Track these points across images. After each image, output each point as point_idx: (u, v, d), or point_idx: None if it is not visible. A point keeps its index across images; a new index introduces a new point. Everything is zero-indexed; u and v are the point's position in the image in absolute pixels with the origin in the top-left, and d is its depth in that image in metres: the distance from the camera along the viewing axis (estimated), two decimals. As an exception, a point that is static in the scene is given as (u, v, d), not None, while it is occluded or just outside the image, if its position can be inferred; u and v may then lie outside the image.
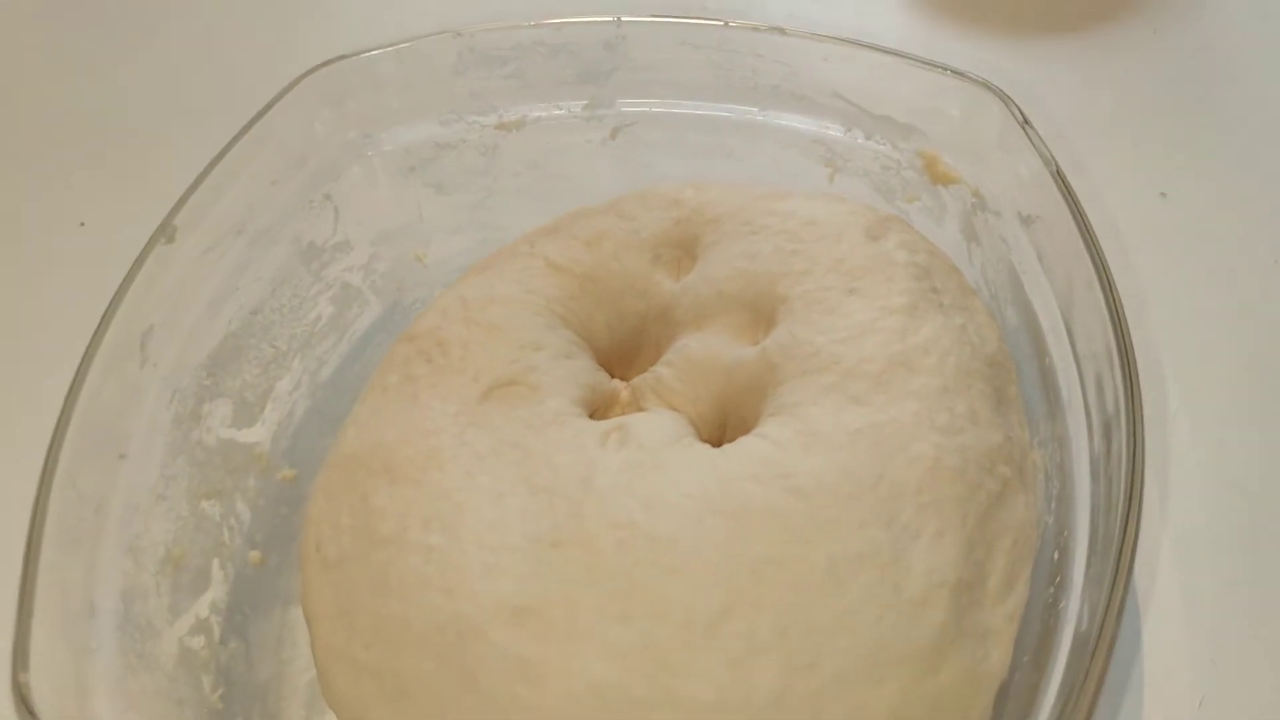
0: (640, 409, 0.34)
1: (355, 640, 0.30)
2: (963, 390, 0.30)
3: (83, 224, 0.47)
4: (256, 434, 0.36)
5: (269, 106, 0.35)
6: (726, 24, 0.36)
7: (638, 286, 0.36)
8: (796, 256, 0.34)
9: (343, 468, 0.33)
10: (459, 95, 0.38)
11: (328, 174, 0.38)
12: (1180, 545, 0.35)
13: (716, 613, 0.27)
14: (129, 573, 0.30)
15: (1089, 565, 0.27)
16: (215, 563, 0.34)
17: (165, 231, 0.33)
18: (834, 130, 0.37)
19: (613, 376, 0.36)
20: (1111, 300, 0.28)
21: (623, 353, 0.36)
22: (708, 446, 0.31)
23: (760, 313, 0.34)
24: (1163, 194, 0.44)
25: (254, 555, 0.35)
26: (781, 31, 0.36)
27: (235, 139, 0.35)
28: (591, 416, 0.34)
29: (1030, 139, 0.32)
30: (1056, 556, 0.29)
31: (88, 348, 0.31)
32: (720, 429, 0.33)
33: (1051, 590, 0.28)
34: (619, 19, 0.37)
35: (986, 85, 0.33)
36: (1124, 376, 0.27)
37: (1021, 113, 0.32)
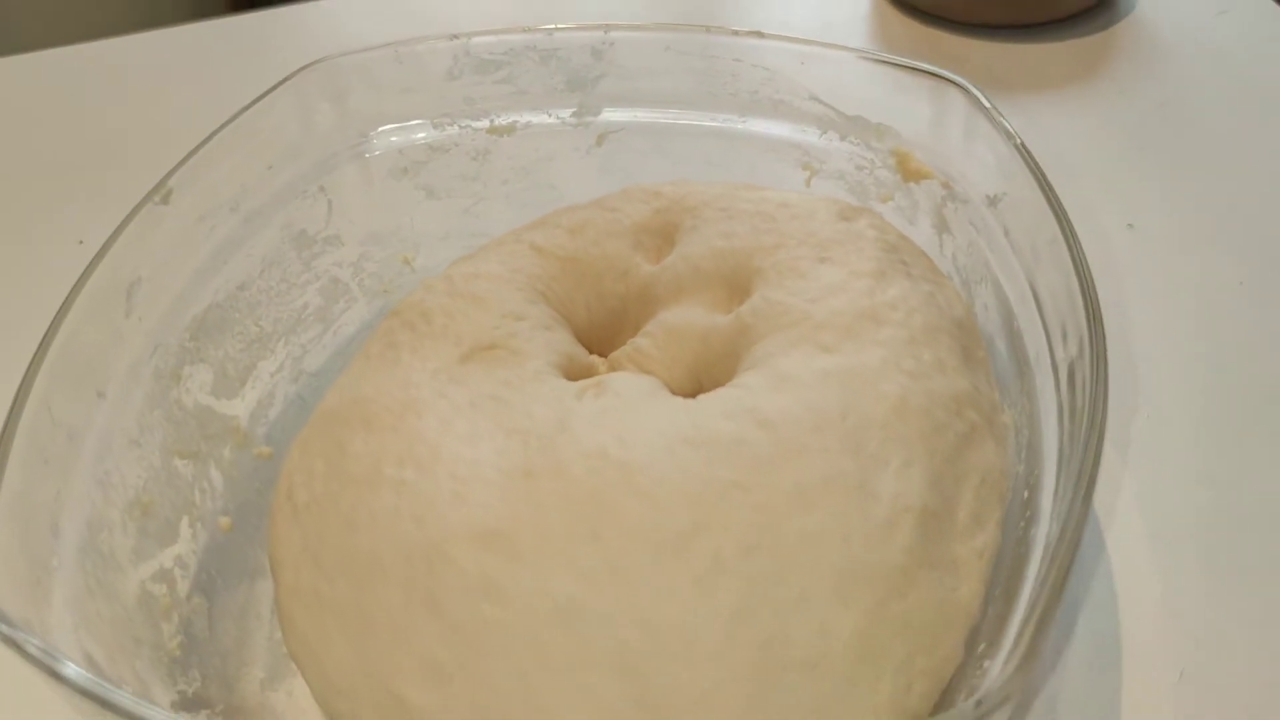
0: (618, 374, 0.34)
1: (320, 578, 0.29)
2: (929, 343, 0.31)
3: (81, 241, 0.48)
4: (235, 408, 0.37)
5: (267, 93, 0.37)
6: (708, 29, 0.38)
7: (618, 268, 0.37)
8: (770, 233, 0.35)
9: (319, 424, 0.33)
10: (453, 99, 0.40)
11: (323, 167, 0.39)
12: (1158, 529, 0.35)
13: (684, 533, 0.27)
14: (97, 505, 0.30)
15: (1057, 488, 0.27)
16: (185, 520, 0.34)
17: (160, 191, 0.34)
18: (810, 134, 0.39)
19: (591, 353, 0.37)
20: (1073, 248, 0.29)
21: (602, 333, 0.37)
22: (682, 398, 0.32)
23: (736, 286, 0.35)
24: (1130, 225, 0.45)
25: (224, 521, 0.35)
26: (759, 35, 0.38)
27: (232, 118, 0.36)
28: (570, 383, 0.34)
29: (992, 121, 0.33)
30: (1027, 495, 0.29)
31: (74, 285, 0.31)
32: (696, 392, 0.34)
33: (1022, 524, 0.28)
34: (607, 26, 0.39)
35: (951, 79, 0.35)
36: (1086, 311, 0.28)
37: (984, 98, 0.34)
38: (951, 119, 0.35)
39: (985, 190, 0.34)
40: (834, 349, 0.31)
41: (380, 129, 0.40)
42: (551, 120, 0.41)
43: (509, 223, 0.40)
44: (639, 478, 0.28)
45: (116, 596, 0.30)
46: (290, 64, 0.38)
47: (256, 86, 0.37)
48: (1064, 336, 0.30)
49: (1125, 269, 0.44)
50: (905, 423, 0.29)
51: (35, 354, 0.30)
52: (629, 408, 0.31)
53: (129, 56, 0.61)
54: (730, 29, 0.38)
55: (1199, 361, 0.40)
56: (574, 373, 0.35)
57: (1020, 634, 0.22)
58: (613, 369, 0.35)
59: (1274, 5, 0.56)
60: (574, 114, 0.41)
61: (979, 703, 0.20)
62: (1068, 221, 0.30)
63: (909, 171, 0.37)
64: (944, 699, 0.28)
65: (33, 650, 0.23)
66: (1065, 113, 0.51)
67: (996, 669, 0.23)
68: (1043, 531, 0.27)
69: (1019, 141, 0.32)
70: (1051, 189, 0.31)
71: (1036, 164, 0.32)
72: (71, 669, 0.23)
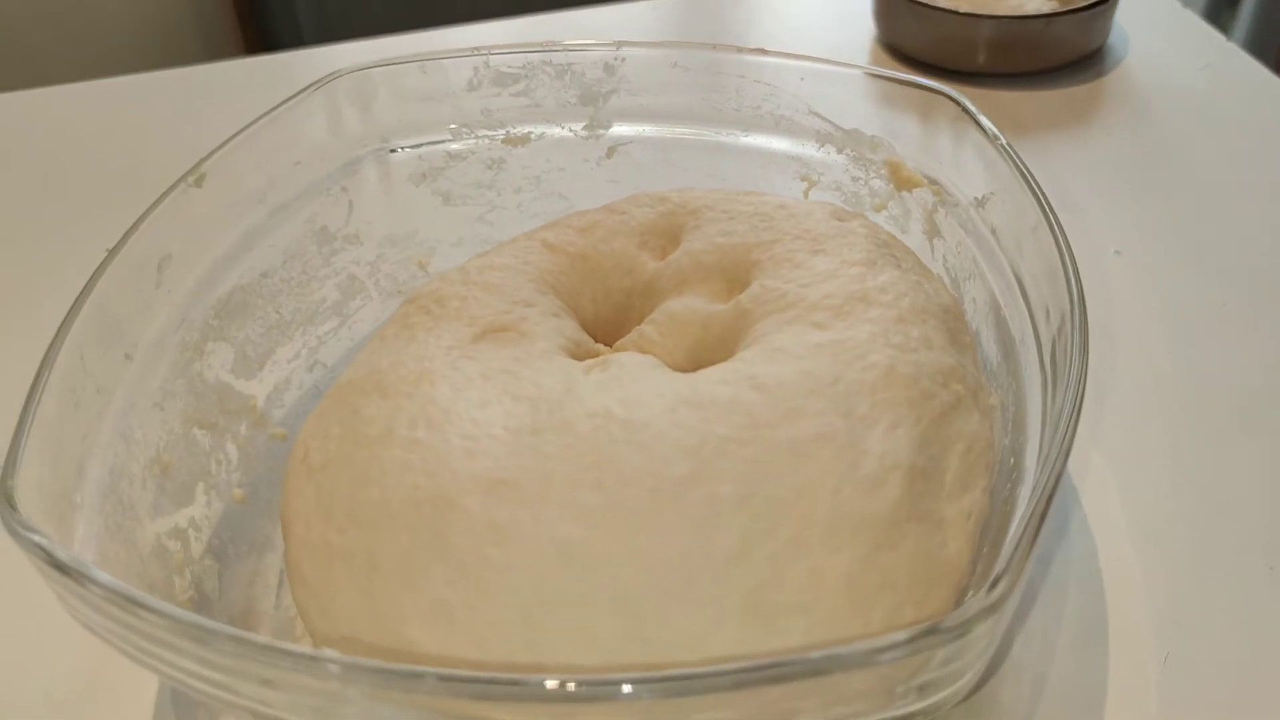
0: (621, 359, 0.36)
1: (331, 529, 0.31)
2: (917, 322, 0.33)
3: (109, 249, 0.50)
4: (253, 388, 0.38)
5: (297, 95, 0.39)
6: (714, 46, 0.41)
7: (624, 265, 0.39)
8: (768, 230, 0.37)
9: (336, 394, 0.35)
10: (472, 110, 0.42)
11: (347, 168, 0.41)
12: (1142, 524, 0.36)
13: (682, 481, 0.28)
14: (120, 456, 0.32)
15: (1041, 445, 0.28)
16: (200, 486, 0.35)
17: (194, 174, 0.36)
18: (809, 147, 0.41)
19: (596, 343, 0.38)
20: (1053, 227, 0.31)
21: (607, 326, 0.39)
22: (682, 372, 0.33)
23: (735, 278, 0.37)
24: (1117, 252, 0.47)
25: (238, 492, 0.36)
26: (763, 52, 0.40)
27: (265, 114, 0.38)
28: (576, 368, 0.36)
29: (979, 127, 0.36)
30: (1013, 461, 0.30)
31: (108, 254, 0.33)
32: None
33: (1008, 486, 0.30)
34: (618, 43, 0.41)
35: (940, 91, 0.37)
36: (1066, 278, 0.29)
37: (971, 107, 0.36)
38: (940, 128, 0.37)
39: (973, 192, 0.36)
40: (826, 326, 0.33)
41: (402, 135, 0.42)
42: (564, 132, 0.43)
43: (520, 230, 0.41)
44: (640, 433, 0.30)
45: (134, 543, 0.31)
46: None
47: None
48: (1047, 315, 0.31)
49: (1113, 291, 0.45)
50: (893, 389, 0.30)
51: (72, 307, 0.31)
52: (632, 378, 0.32)
53: (152, 91, 0.64)
54: (735, 46, 0.40)
55: (1182, 374, 0.42)
56: (580, 356, 0.36)
57: (1020, 534, 0.23)
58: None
59: (1252, 61, 0.59)
60: (585, 127, 0.43)
61: (994, 582, 0.22)
62: (1048, 205, 0.31)
63: (901, 180, 0.39)
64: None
65: (63, 557, 0.25)
66: (1053, 154, 0.53)
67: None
68: (1028, 489, 0.28)
69: (1003, 142, 0.35)
70: (1035, 180, 0.33)
71: (1021, 161, 0.34)
72: (101, 575, 0.24)
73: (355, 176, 0.42)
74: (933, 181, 0.38)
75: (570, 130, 0.43)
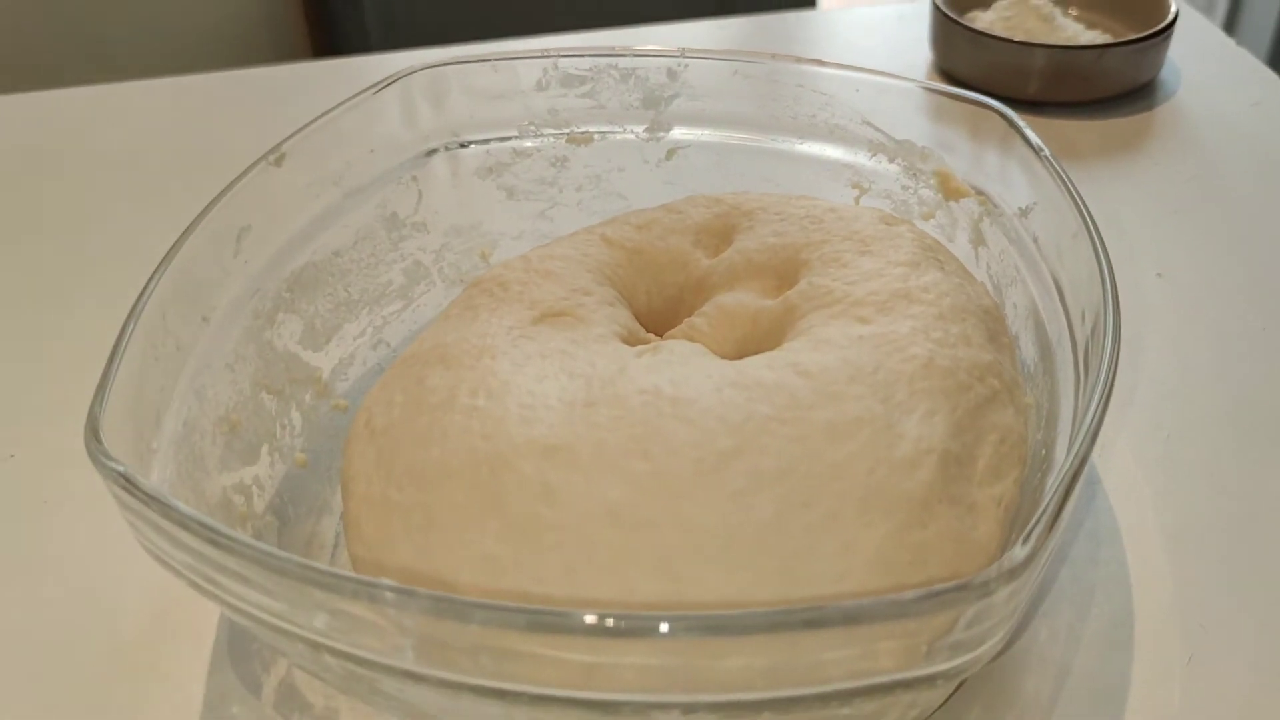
0: (672, 348, 0.38)
1: (390, 485, 0.32)
2: (957, 321, 0.34)
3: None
4: (319, 360, 0.40)
5: (375, 86, 0.41)
6: (773, 56, 0.42)
7: (678, 261, 0.40)
8: (818, 232, 0.38)
9: (400, 366, 0.37)
10: (539, 109, 0.44)
11: (418, 160, 0.43)
12: (1174, 529, 0.37)
13: (725, 454, 0.30)
14: (193, 410, 0.34)
15: (1073, 435, 0.29)
16: (265, 447, 0.37)
17: (275, 153, 0.38)
18: (861, 155, 0.42)
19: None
20: (1091, 233, 0.32)
21: (659, 318, 0.40)
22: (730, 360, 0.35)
23: (785, 276, 0.38)
24: (1159, 274, 0.48)
25: (300, 457, 0.38)
26: (820, 63, 0.42)
27: (344, 102, 0.40)
28: (628, 353, 0.37)
29: (1025, 140, 0.37)
30: (1044, 453, 0.31)
31: (193, 221, 0.35)
32: (742, 364, 0.37)
33: (1038, 476, 0.31)
34: (683, 50, 0.43)
35: (988, 105, 0.39)
36: (1102, 278, 0.31)
37: (1018, 120, 0.37)
38: (988, 141, 0.39)
39: (1018, 203, 0.38)
40: (870, 320, 0.34)
41: (472, 131, 0.44)
42: (626, 134, 0.45)
43: (579, 226, 0.43)
44: (687, 409, 0.31)
45: (202, 493, 0.33)
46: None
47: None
48: (1083, 317, 0.32)
49: (1153, 309, 0.46)
50: (930, 379, 0.32)
51: (156, 268, 0.33)
52: (682, 361, 0.34)
53: (229, 89, 0.67)
54: (794, 56, 0.42)
55: (1219, 387, 0.43)
56: (632, 344, 0.38)
57: (1050, 498, 0.24)
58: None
59: (1306, 100, 0.60)
60: (647, 129, 0.45)
61: (1023, 541, 0.23)
62: (1088, 212, 0.33)
63: (950, 190, 0.41)
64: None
65: (146, 488, 0.26)
66: (1101, 180, 0.55)
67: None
68: (1055, 477, 0.29)
69: (1048, 154, 0.36)
70: (1076, 189, 0.34)
71: (1063, 171, 0.35)
72: (183, 505, 0.26)
73: (425, 167, 0.44)
74: (980, 192, 0.40)
75: (632, 132, 0.45)
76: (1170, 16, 0.59)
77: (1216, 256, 0.50)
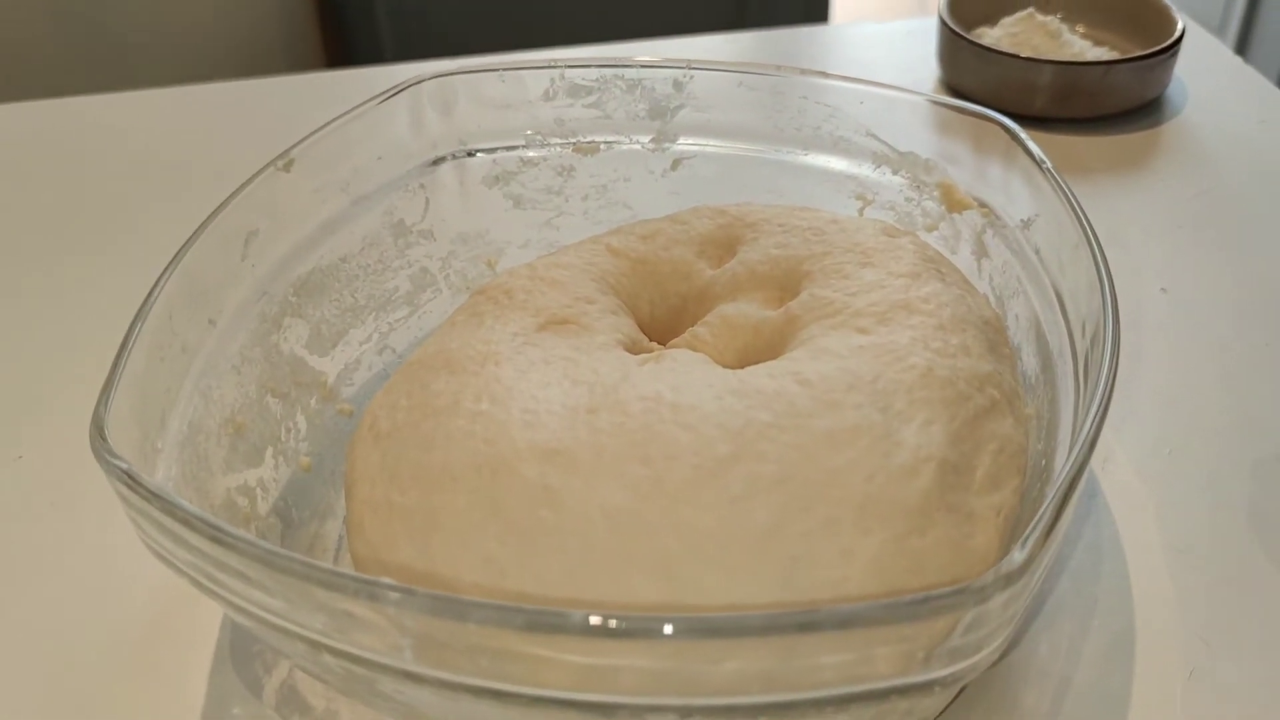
0: (674, 357, 0.38)
1: (393, 488, 0.33)
2: (957, 331, 0.34)
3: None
4: (325, 365, 0.40)
5: (384, 94, 0.42)
6: (779, 68, 0.43)
7: (682, 271, 0.41)
8: (820, 244, 0.39)
9: (405, 372, 0.37)
10: (546, 118, 0.45)
11: (426, 168, 0.44)
12: (1175, 542, 0.37)
13: (724, 459, 0.30)
14: (198, 411, 0.34)
15: (1072, 444, 0.29)
16: (270, 450, 0.37)
17: (284, 158, 0.38)
18: (865, 167, 0.43)
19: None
20: (1092, 245, 0.32)
21: (662, 327, 0.41)
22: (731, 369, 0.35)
23: (787, 288, 0.38)
24: (1163, 289, 0.48)
25: (304, 460, 0.38)
26: (824, 75, 0.42)
27: (352, 109, 0.41)
28: (631, 362, 0.37)
29: (1027, 152, 0.37)
30: (1044, 463, 0.31)
31: (201, 224, 0.35)
32: (744, 372, 0.37)
33: (1038, 486, 0.31)
34: (689, 62, 0.43)
35: (992, 117, 0.39)
36: (1102, 290, 0.31)
37: (1021, 133, 0.38)
38: (992, 154, 0.39)
39: (1020, 215, 0.38)
40: (869, 331, 0.34)
41: (479, 139, 0.45)
42: (632, 144, 0.45)
43: (585, 236, 0.43)
44: (687, 415, 0.31)
45: (206, 494, 0.33)
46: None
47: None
48: (1084, 328, 0.32)
49: (1156, 325, 0.46)
50: (929, 389, 0.32)
51: (163, 271, 0.34)
52: (684, 369, 0.34)
53: (242, 97, 0.68)
54: (799, 68, 0.42)
55: (1222, 400, 0.43)
56: (635, 352, 0.38)
57: (1048, 504, 0.24)
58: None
59: (1312, 118, 0.60)
60: (652, 140, 0.45)
61: (1023, 542, 0.23)
62: (1088, 223, 0.33)
63: (953, 202, 0.41)
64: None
65: (150, 485, 0.27)
66: (1106, 196, 0.55)
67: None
68: (1054, 487, 0.29)
69: (1049, 166, 0.36)
70: (1077, 202, 0.34)
71: (1066, 185, 0.35)
72: (186, 503, 0.26)
73: (433, 175, 0.44)
74: (982, 204, 0.40)
75: (637, 142, 0.45)
76: (1177, 33, 0.59)
77: (1221, 273, 0.50)
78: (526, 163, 0.45)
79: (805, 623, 0.23)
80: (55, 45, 1.10)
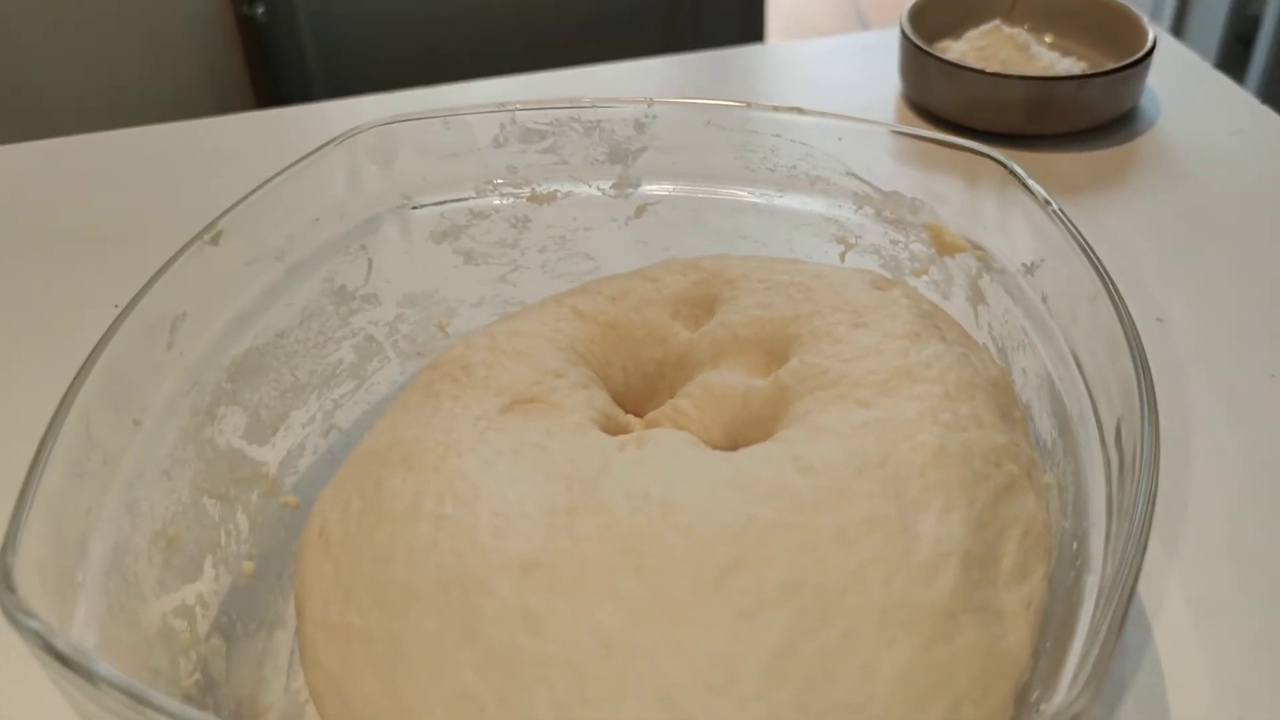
0: (655, 433, 0.34)
1: (350, 609, 0.29)
2: (965, 398, 0.31)
3: (116, 305, 0.48)
4: (266, 454, 0.36)
5: (318, 150, 0.38)
6: (749, 105, 0.39)
7: (656, 335, 0.37)
8: (806, 302, 0.36)
9: (355, 465, 0.33)
10: (497, 166, 0.41)
11: (367, 226, 0.40)
12: (1203, 614, 0.35)
13: (727, 568, 0.27)
14: (125, 530, 0.30)
15: (1108, 534, 0.26)
16: (209, 560, 0.33)
17: (210, 231, 0.34)
18: (846, 209, 0.40)
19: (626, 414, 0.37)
20: (1115, 301, 0.29)
21: (637, 396, 0.37)
22: (722, 451, 0.31)
23: (774, 352, 0.35)
24: (1159, 319, 0.46)
25: (247, 565, 0.35)
26: (799, 111, 0.39)
27: (283, 170, 0.37)
28: (607, 441, 0.34)
29: (1027, 190, 0.34)
30: (1075, 546, 0.29)
31: (119, 314, 0.31)
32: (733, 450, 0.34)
33: (1073, 574, 0.28)
34: (650, 100, 0.40)
35: (984, 153, 0.36)
36: (1135, 365, 0.28)
37: (1018, 170, 0.35)
38: (985, 191, 0.36)
39: (1022, 259, 0.35)
40: (871, 404, 0.31)
41: (424, 192, 0.41)
42: (592, 190, 0.41)
43: (544, 292, 0.40)
44: (681, 515, 0.28)
45: (138, 625, 0.29)
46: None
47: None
48: (1108, 392, 0.30)
49: (1157, 361, 0.44)
50: (944, 470, 0.29)
51: (79, 371, 0.30)
52: (670, 456, 0.31)
53: (166, 143, 0.63)
54: (770, 105, 0.39)
55: (1238, 448, 0.40)
56: (611, 430, 0.35)
57: (1086, 653, 0.21)
58: (649, 428, 0.35)
59: (1286, 124, 0.58)
60: (614, 185, 0.41)
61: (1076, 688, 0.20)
62: (1108, 275, 0.30)
63: (943, 245, 0.38)
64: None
65: (63, 648, 0.23)
66: (1087, 217, 0.52)
67: (1060, 696, 0.22)
68: (1095, 578, 0.26)
69: (1055, 207, 0.33)
70: (1091, 249, 0.31)
71: (1075, 227, 0.32)
72: (104, 667, 0.22)
73: (375, 234, 0.40)
74: (977, 247, 0.37)
75: (598, 188, 0.41)
76: (1149, 44, 0.56)
77: (1216, 298, 0.47)
78: (477, 214, 0.42)
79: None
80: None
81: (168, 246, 0.34)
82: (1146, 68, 0.57)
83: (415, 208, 0.41)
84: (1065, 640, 0.26)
